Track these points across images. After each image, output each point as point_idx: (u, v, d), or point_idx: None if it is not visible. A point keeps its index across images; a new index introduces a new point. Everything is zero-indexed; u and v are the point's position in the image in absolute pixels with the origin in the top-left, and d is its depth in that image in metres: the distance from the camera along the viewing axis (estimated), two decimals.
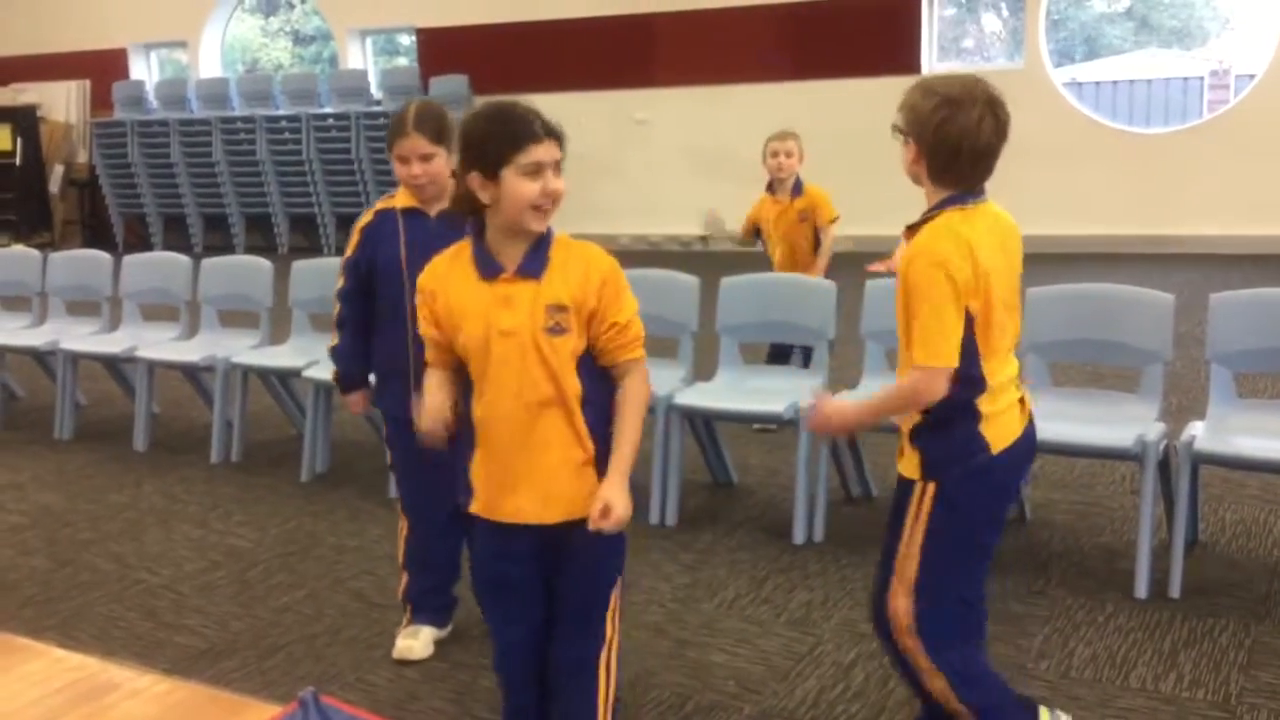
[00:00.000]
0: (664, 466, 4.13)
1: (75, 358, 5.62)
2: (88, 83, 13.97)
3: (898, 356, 2.39)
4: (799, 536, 3.92)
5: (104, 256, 5.96)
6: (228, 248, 12.38)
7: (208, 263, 5.59)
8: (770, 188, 5.26)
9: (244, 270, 5.50)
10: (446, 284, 2.23)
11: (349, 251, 3.16)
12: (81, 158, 13.90)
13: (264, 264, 5.37)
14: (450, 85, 11.75)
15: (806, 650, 3.18)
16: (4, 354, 5.97)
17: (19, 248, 6.75)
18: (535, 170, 2.13)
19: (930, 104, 2.19)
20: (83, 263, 6.07)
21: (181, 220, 13.06)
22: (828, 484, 4.00)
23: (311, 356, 4.78)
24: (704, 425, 4.36)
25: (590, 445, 2.23)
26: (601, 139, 10.66)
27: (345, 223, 10.96)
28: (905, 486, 2.37)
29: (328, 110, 12.26)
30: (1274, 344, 3.58)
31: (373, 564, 3.87)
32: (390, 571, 3.39)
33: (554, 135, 2.17)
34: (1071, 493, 4.25)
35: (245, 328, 5.44)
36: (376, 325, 3.15)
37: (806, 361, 4.71)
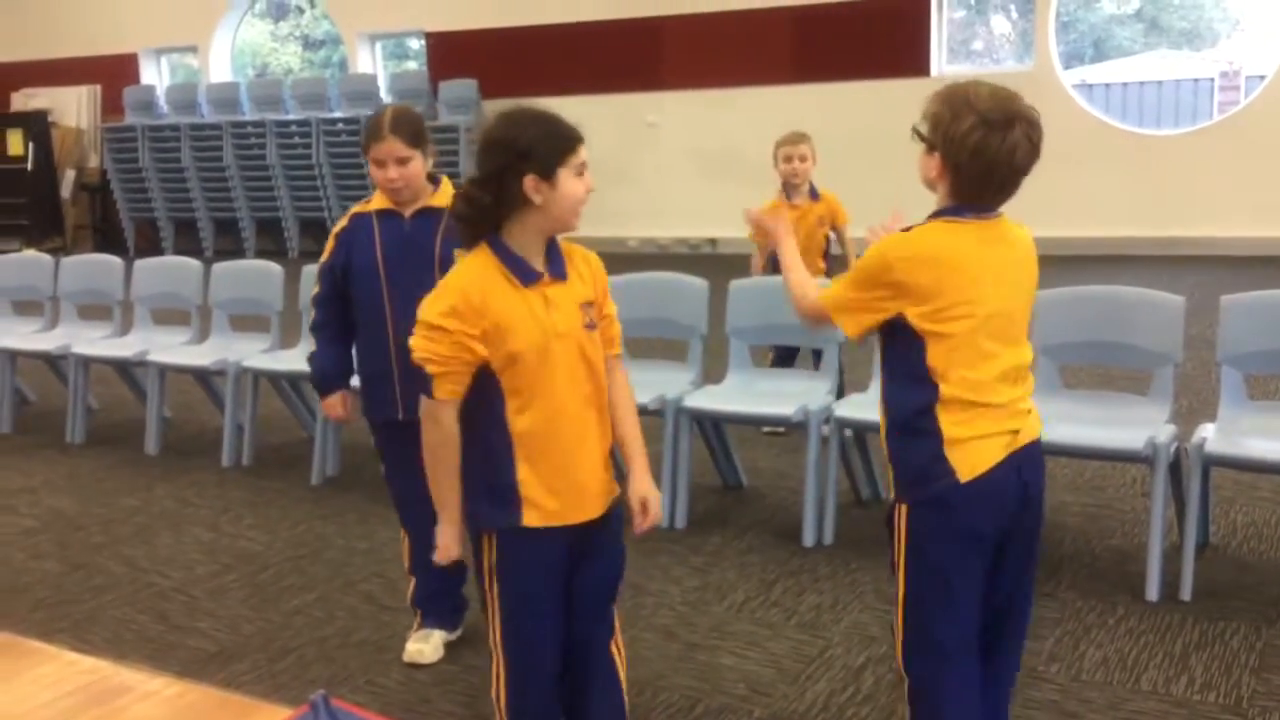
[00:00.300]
0: (673, 469, 4.13)
1: (87, 362, 5.64)
2: (99, 88, 14.03)
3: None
4: (808, 539, 3.92)
5: (115, 261, 5.99)
6: (238, 252, 12.44)
7: (218, 267, 5.61)
8: (785, 192, 5.09)
9: (254, 275, 5.51)
10: (489, 298, 2.16)
11: (324, 257, 3.16)
12: (93, 162, 13.97)
13: (274, 268, 5.39)
14: (459, 89, 11.79)
15: (816, 653, 3.17)
16: (16, 358, 5.99)
17: (31, 252, 6.78)
18: (582, 169, 2.19)
19: (966, 124, 2.07)
20: (94, 267, 6.10)
21: (192, 224, 13.12)
22: (837, 487, 4.00)
23: None
24: (713, 428, 4.36)
25: (610, 436, 2.31)
26: (611, 142, 10.65)
27: None
28: (890, 505, 2.29)
29: (337, 114, 12.30)
30: None
31: (383, 567, 3.88)
32: (400, 574, 3.40)
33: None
34: (1082, 495, 4.24)
35: (256, 332, 5.46)
36: (358, 330, 3.16)
37: (817, 363, 4.69)
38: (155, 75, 14.35)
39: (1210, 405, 4.02)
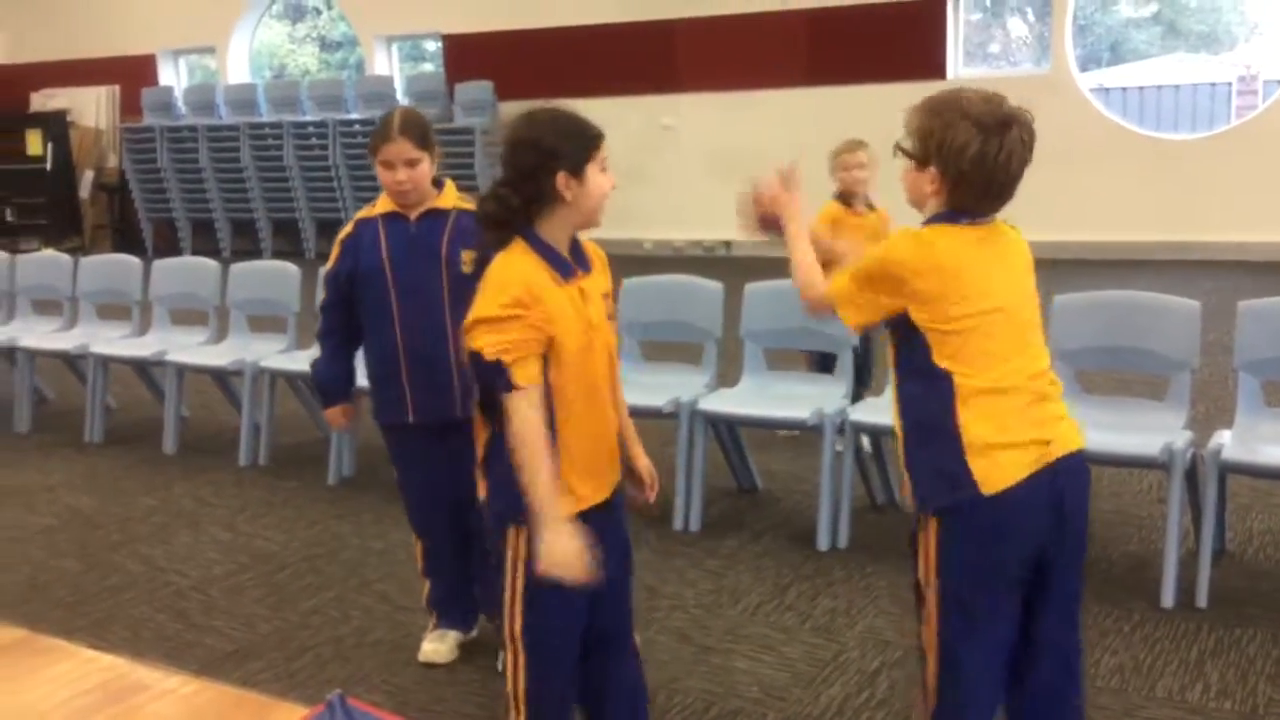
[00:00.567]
0: (688, 472, 4.13)
1: (105, 361, 5.67)
2: (117, 88, 14.11)
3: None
4: (823, 543, 3.91)
5: (133, 261, 6.03)
6: (255, 252, 12.48)
7: (236, 268, 5.64)
8: (844, 199, 4.89)
9: (271, 275, 5.54)
10: (541, 291, 2.17)
11: (329, 264, 3.15)
12: (111, 163, 14.04)
13: (291, 269, 5.41)
14: (476, 91, 11.81)
15: (830, 657, 3.17)
16: (35, 357, 6.03)
17: (50, 252, 6.81)
18: (605, 165, 2.25)
19: (962, 133, 2.04)
20: (113, 267, 6.14)
21: (209, 225, 13.17)
22: (852, 490, 4.00)
23: None
24: (728, 431, 4.36)
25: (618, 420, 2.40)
26: (626, 144, 10.63)
27: None
28: (913, 517, 2.20)
29: (354, 116, 12.32)
30: None
31: (398, 567, 3.89)
32: (415, 574, 3.41)
33: None
34: (1098, 501, 4.22)
35: (273, 332, 5.49)
36: (366, 333, 3.15)
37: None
38: (173, 76, 14.41)
39: (1227, 411, 4.00)
